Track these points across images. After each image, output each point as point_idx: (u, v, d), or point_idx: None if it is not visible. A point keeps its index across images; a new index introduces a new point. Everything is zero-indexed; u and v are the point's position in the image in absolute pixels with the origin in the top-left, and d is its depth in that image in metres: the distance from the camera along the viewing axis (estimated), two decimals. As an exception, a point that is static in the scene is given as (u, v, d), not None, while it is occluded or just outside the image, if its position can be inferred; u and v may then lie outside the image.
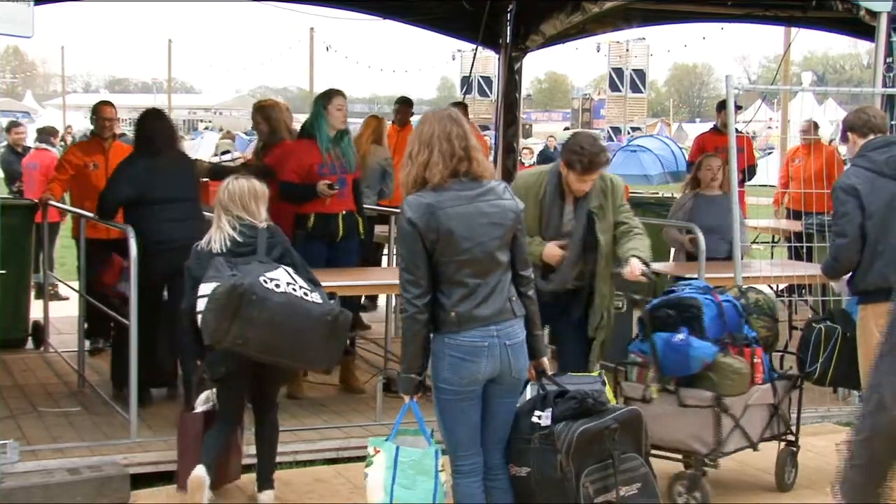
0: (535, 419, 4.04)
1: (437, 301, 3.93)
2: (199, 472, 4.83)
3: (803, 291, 8.84)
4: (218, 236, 4.89)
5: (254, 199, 4.95)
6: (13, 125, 12.72)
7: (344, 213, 6.64)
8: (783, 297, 8.87)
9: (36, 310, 8.25)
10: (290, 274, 4.77)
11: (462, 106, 9.86)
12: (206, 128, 50.13)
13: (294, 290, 4.71)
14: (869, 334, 5.26)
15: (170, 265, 5.87)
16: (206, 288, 4.67)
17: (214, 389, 5.08)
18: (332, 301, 4.82)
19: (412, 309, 3.89)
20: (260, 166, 6.95)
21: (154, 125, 6.55)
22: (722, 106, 9.97)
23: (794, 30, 12.15)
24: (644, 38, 34.32)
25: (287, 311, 4.63)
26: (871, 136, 5.37)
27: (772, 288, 9.22)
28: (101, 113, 7.79)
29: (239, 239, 4.87)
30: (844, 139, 5.50)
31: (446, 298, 3.92)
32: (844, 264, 5.32)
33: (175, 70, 52.80)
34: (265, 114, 7.23)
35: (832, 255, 5.38)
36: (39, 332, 8.11)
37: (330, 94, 6.74)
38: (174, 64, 28.95)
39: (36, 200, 8.21)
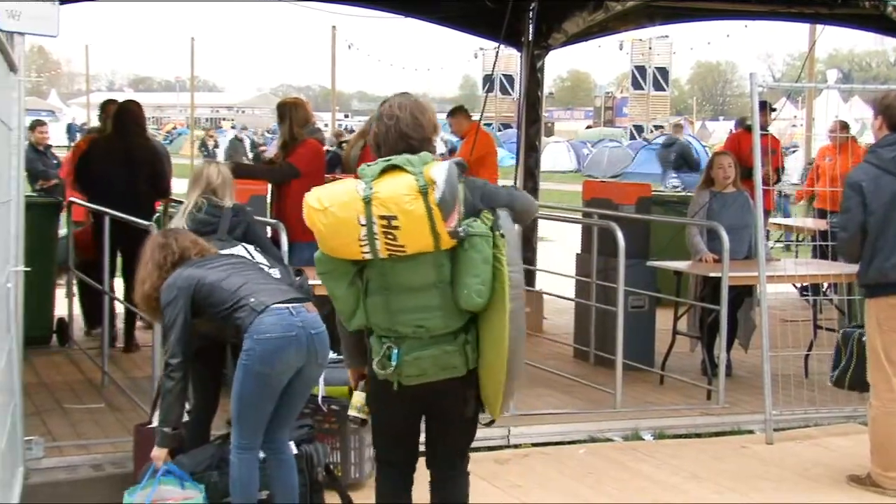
0: None
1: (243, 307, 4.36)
2: None
3: (828, 291, 8.77)
4: (182, 215, 5.05)
5: (230, 186, 5.21)
6: (37, 124, 12.74)
7: None
8: (807, 296, 8.81)
9: (61, 307, 8.32)
10: (248, 251, 4.83)
11: None
12: (232, 126, 50.44)
13: None
14: (873, 329, 5.27)
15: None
16: None
17: None
18: (297, 278, 4.83)
19: (176, 375, 4.36)
20: (284, 166, 7.03)
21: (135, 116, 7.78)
22: (763, 106, 9.86)
23: (819, 27, 12.05)
24: (667, 36, 34.17)
25: None
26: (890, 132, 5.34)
27: (795, 287, 9.18)
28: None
29: (202, 218, 5.04)
30: (876, 116, 5.45)
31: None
32: (847, 256, 5.44)
33: (198, 68, 52.87)
34: (286, 112, 7.23)
35: (837, 248, 5.51)
36: (64, 330, 8.17)
37: None
38: (197, 62, 28.98)
39: (60, 199, 8.26)
